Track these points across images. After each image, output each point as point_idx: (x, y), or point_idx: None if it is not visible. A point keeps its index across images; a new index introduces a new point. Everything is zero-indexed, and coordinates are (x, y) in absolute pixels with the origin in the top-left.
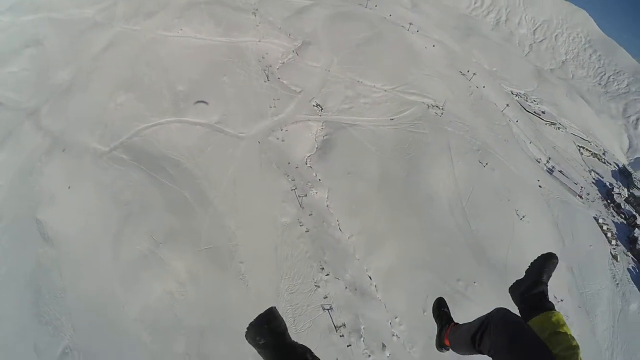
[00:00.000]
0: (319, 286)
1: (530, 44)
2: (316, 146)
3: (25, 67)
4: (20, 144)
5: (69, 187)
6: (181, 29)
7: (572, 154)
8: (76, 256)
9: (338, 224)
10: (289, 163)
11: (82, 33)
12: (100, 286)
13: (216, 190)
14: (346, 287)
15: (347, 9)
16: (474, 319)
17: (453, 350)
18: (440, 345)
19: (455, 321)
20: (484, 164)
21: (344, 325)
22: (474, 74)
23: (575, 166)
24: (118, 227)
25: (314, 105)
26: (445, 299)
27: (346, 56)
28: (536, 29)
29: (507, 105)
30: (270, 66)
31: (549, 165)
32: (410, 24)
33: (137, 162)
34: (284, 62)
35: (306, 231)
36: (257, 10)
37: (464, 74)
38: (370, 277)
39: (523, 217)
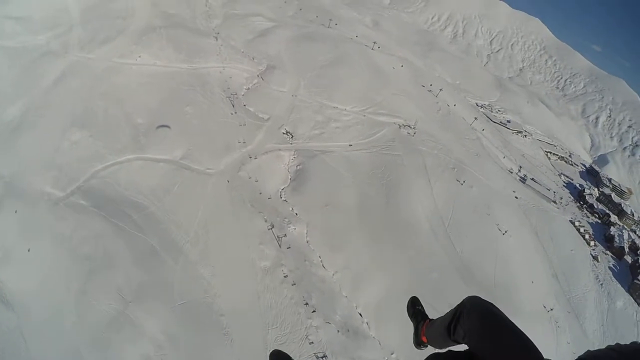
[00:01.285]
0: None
1: (488, 54)
2: (289, 177)
3: None
4: None
5: (29, 250)
6: (139, 56)
7: (541, 160)
8: (39, 321)
9: (321, 261)
10: (263, 195)
11: (33, 62)
12: (70, 356)
13: (186, 236)
14: (338, 331)
15: (309, 30)
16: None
17: (431, 345)
18: (418, 343)
19: (430, 317)
20: (462, 182)
21: None
22: (440, 89)
23: (546, 172)
24: (80, 285)
25: (283, 133)
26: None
27: (313, 79)
28: (492, 39)
29: (476, 118)
30: (236, 94)
31: (521, 174)
32: (374, 42)
33: (97, 209)
34: (249, 88)
35: (287, 274)
36: (218, 34)
37: (430, 90)
38: (360, 315)
39: (505, 232)
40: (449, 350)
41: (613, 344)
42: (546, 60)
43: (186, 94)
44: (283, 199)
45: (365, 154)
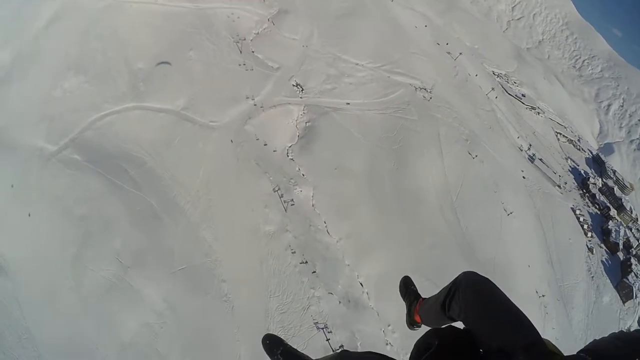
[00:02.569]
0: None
1: (509, 21)
2: (298, 134)
3: None
4: None
5: (29, 215)
6: None
7: (550, 141)
8: (35, 289)
9: (326, 227)
10: (268, 149)
11: (26, 3)
12: (68, 325)
13: (187, 195)
14: (340, 302)
15: None
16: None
17: (425, 324)
18: (412, 323)
19: (423, 296)
20: (473, 156)
21: (342, 346)
22: (460, 53)
23: (554, 153)
24: (76, 250)
25: (293, 85)
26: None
27: (327, 28)
28: (515, 5)
29: (493, 89)
30: (244, 39)
31: (530, 153)
32: None
33: (93, 164)
34: (258, 33)
35: (292, 241)
36: None
37: (449, 53)
38: (361, 284)
39: (510, 213)
40: (450, 326)
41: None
42: (567, 37)
43: (190, 37)
44: (290, 157)
45: (379, 115)
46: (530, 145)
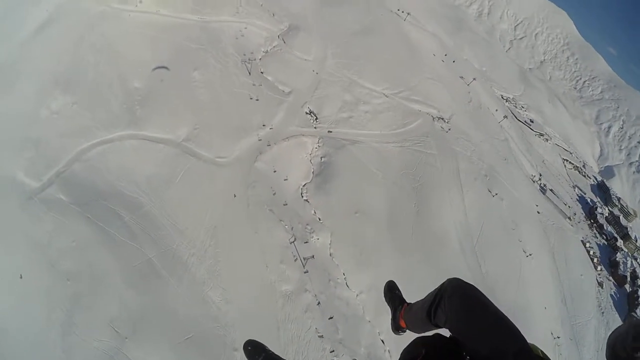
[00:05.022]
0: None
1: (511, 40)
2: (312, 171)
3: None
4: None
5: (21, 277)
6: (140, 1)
7: (558, 169)
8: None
9: (345, 279)
10: (278, 196)
11: (19, 4)
12: None
13: (191, 247)
14: None
15: None
16: (426, 295)
17: (410, 330)
18: (397, 328)
19: (408, 301)
20: (493, 194)
21: None
22: (474, 79)
23: (562, 182)
24: (65, 315)
25: (307, 113)
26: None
27: (341, 48)
28: (517, 25)
29: (505, 117)
30: (254, 59)
31: (541, 184)
32: (399, 9)
33: (80, 207)
34: (267, 51)
35: (311, 302)
36: None
37: (462, 77)
38: (383, 342)
39: (530, 255)
40: (437, 334)
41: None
42: (568, 58)
43: (194, 55)
44: (304, 198)
45: (397, 149)
46: (540, 175)
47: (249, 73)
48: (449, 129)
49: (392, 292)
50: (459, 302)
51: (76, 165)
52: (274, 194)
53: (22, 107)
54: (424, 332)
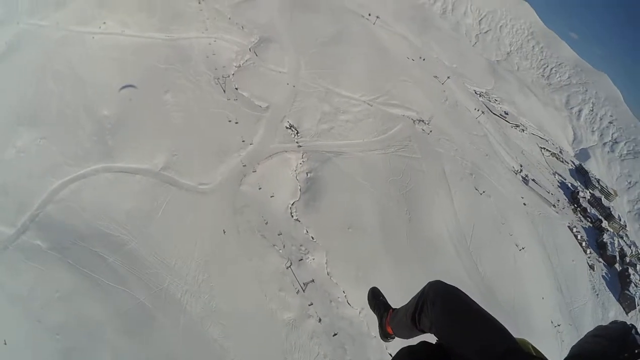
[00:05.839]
0: None
1: (477, 34)
2: (299, 188)
3: None
4: None
5: (5, 343)
6: (104, 23)
7: (537, 157)
8: None
9: (345, 297)
10: (266, 223)
11: None
12: None
13: (183, 284)
14: None
15: None
16: (409, 300)
17: (397, 336)
18: (385, 335)
19: (393, 307)
20: (481, 192)
21: None
22: (448, 77)
23: (542, 170)
24: None
25: (287, 127)
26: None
27: (314, 58)
28: (481, 19)
29: (482, 112)
30: (228, 76)
31: (523, 175)
32: (377, 17)
33: (59, 252)
34: (239, 66)
35: (316, 327)
36: None
37: (436, 77)
38: (390, 355)
39: (522, 248)
40: (422, 342)
41: (592, 330)
42: (533, 47)
43: (164, 75)
44: (295, 217)
45: (381, 156)
46: (521, 166)
47: (224, 91)
48: (430, 131)
49: (376, 299)
50: (441, 306)
51: (50, 207)
52: (266, 222)
53: None
54: (411, 337)
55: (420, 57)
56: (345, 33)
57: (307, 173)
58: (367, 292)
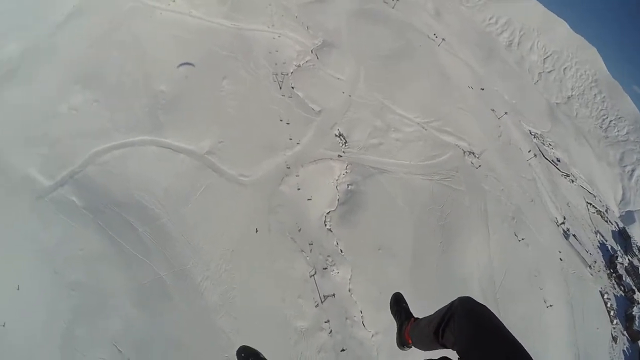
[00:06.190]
0: None
1: (540, 73)
2: (338, 198)
3: None
4: None
5: (18, 288)
6: (173, 0)
7: (582, 212)
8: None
9: (362, 317)
10: (299, 229)
11: None
12: None
13: (206, 269)
14: None
15: (373, 7)
16: (434, 312)
17: (415, 347)
18: (402, 344)
19: (416, 316)
20: (519, 239)
21: None
22: (505, 113)
23: (585, 227)
24: (66, 326)
25: (336, 135)
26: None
27: (374, 70)
28: (547, 57)
29: (535, 155)
30: (287, 74)
31: (565, 227)
32: (443, 39)
33: (92, 213)
34: (299, 65)
35: (327, 342)
36: None
37: (493, 110)
38: None
39: (550, 305)
40: (443, 358)
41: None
42: (595, 95)
43: (224, 62)
44: (328, 227)
45: (425, 182)
46: (564, 218)
47: (280, 88)
48: (479, 165)
49: (398, 305)
50: (469, 324)
51: (91, 168)
52: (299, 229)
53: (41, 99)
54: (430, 350)
55: (480, 87)
56: (408, 50)
57: (348, 185)
58: (390, 297)
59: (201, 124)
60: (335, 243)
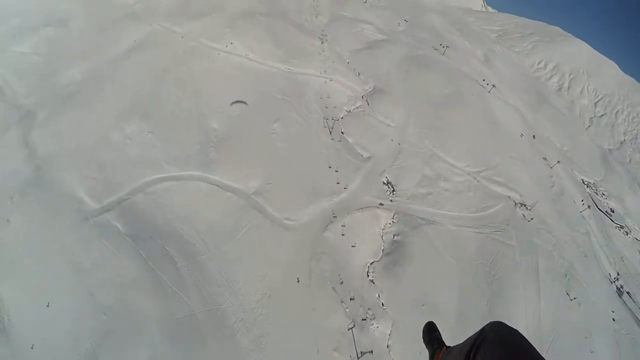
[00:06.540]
0: None
1: (591, 118)
2: (382, 248)
3: (38, 51)
4: None
5: (48, 305)
6: (231, 42)
7: (636, 267)
8: None
9: None
10: (341, 280)
11: (114, 23)
12: None
13: (241, 311)
14: None
15: (422, 53)
16: (467, 338)
17: None
18: None
19: (448, 344)
20: (571, 298)
21: None
22: (558, 161)
23: (639, 283)
24: (92, 348)
25: (384, 183)
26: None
27: (424, 117)
28: (598, 101)
29: (589, 206)
30: (337, 119)
31: (618, 284)
32: (494, 85)
33: (134, 241)
34: (350, 111)
35: None
36: (325, 35)
37: (545, 159)
38: None
39: None
40: None
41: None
42: None
43: (277, 105)
44: (370, 278)
45: (474, 235)
46: (618, 274)
47: (330, 132)
48: (531, 218)
49: (431, 334)
50: (500, 349)
51: (139, 197)
52: (342, 282)
53: (97, 124)
54: None
55: (532, 134)
56: (459, 97)
57: (394, 235)
58: (423, 326)
59: (250, 163)
60: (377, 295)
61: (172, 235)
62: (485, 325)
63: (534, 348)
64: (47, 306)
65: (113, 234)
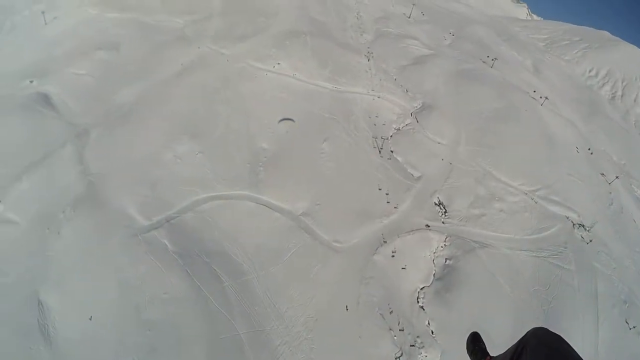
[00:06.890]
0: None
1: None
2: (434, 273)
3: (92, 73)
4: (51, 175)
5: (90, 318)
6: (278, 63)
7: None
8: None
9: None
10: (390, 309)
11: (164, 45)
12: None
13: (286, 334)
14: None
15: (470, 67)
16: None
17: None
18: None
19: (491, 355)
20: (631, 327)
21: None
22: (617, 177)
23: None
24: None
25: (435, 204)
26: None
27: (475, 133)
28: None
29: None
30: (386, 138)
31: None
32: (546, 98)
33: (182, 259)
34: (399, 129)
35: None
36: (371, 53)
37: (603, 174)
38: None
39: None
40: None
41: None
42: None
43: (325, 124)
44: (420, 304)
45: (530, 258)
46: None
47: (379, 151)
48: (591, 240)
49: (475, 345)
50: (542, 355)
51: (188, 215)
52: (391, 312)
53: (148, 144)
54: None
55: (587, 148)
56: (511, 110)
57: (446, 259)
58: (467, 336)
59: (299, 184)
60: (426, 323)
61: (220, 255)
62: (527, 332)
63: (576, 352)
64: (90, 319)
65: (161, 251)
